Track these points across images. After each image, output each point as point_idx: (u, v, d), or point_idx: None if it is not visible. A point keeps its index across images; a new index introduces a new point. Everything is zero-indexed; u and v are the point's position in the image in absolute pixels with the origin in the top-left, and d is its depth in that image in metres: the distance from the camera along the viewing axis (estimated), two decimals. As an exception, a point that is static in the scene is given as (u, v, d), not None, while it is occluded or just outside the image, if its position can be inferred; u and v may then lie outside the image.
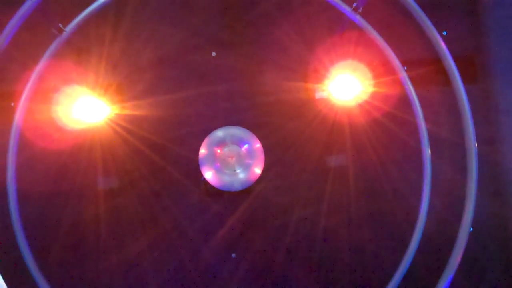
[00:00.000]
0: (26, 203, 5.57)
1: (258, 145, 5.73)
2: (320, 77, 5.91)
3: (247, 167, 5.69)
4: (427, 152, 5.13)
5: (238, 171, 5.69)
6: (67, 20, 4.66)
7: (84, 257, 5.70)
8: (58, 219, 5.66)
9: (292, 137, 5.93)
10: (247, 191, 5.76)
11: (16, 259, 4.83)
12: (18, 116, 4.61)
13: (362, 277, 5.92)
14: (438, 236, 5.28)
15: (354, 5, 4.91)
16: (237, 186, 5.70)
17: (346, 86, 5.75)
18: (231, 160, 5.68)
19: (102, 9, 4.79)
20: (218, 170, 5.67)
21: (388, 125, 5.90)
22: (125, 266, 5.76)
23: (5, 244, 4.97)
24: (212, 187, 5.66)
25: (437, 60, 4.42)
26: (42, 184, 5.65)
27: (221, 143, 5.69)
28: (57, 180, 5.67)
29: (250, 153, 5.71)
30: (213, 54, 5.91)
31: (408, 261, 5.03)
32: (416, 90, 5.14)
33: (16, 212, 4.73)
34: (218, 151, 5.68)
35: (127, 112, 5.77)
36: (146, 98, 5.83)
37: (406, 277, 5.13)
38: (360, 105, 5.81)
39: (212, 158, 5.67)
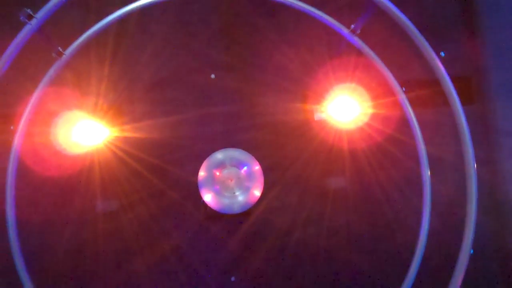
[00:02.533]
0: (25, 225, 5.55)
1: (257, 167, 5.72)
2: (318, 99, 5.93)
3: (246, 190, 5.67)
4: (427, 173, 5.12)
5: (237, 193, 5.67)
6: (66, 43, 4.68)
7: (83, 281, 5.66)
8: (57, 242, 5.64)
9: (291, 159, 5.93)
10: (247, 213, 5.74)
11: (15, 283, 4.79)
12: (18, 139, 4.60)
13: (362, 300, 5.89)
14: (438, 258, 5.25)
15: (352, 27, 4.93)
16: (236, 209, 5.68)
17: (344, 107, 5.77)
18: (231, 183, 5.66)
19: (101, 33, 4.81)
20: (217, 193, 5.64)
21: (387, 147, 5.90)
22: (124, 289, 5.73)
23: (3, 266, 4.93)
24: (211, 209, 5.64)
25: (435, 82, 4.42)
26: (41, 207, 5.63)
27: (221, 165, 5.67)
28: (56, 203, 5.66)
29: (250, 175, 5.70)
30: (212, 76, 5.93)
31: (409, 284, 4.99)
32: (414, 111, 5.14)
33: (15, 235, 4.69)
34: (218, 173, 5.66)
35: (126, 134, 5.78)
36: (146, 120, 5.84)
37: (407, 300, 5.09)
38: (359, 127, 5.82)
39: (212, 181, 5.66)
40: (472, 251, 4.51)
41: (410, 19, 4.26)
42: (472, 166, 4.41)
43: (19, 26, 3.88)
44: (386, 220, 5.92)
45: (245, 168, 5.72)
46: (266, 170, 5.78)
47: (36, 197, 5.65)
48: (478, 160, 4.48)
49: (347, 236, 5.93)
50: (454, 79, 4.42)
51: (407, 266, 5.02)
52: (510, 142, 5.87)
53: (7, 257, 4.71)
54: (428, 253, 5.03)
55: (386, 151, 5.91)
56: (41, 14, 3.87)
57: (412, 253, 5.02)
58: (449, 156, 5.70)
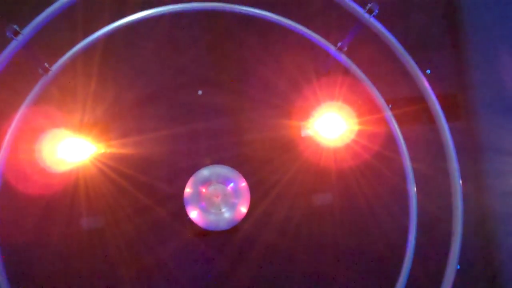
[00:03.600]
0: (8, 243, 5.50)
1: (243, 183, 5.72)
2: (305, 115, 5.95)
3: (232, 206, 5.67)
4: (413, 189, 5.14)
5: (223, 210, 5.66)
6: (53, 59, 4.66)
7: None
8: (41, 260, 5.58)
9: (277, 175, 5.93)
10: (233, 230, 5.72)
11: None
12: (2, 156, 4.55)
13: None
14: (425, 275, 5.25)
15: (339, 44, 4.97)
16: (222, 226, 5.66)
17: (331, 124, 5.79)
18: (217, 199, 5.66)
19: (89, 49, 4.80)
20: (203, 210, 5.63)
21: (373, 163, 5.92)
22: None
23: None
24: (197, 226, 5.62)
25: (421, 99, 4.46)
26: (25, 225, 5.58)
27: (207, 182, 5.67)
28: (41, 221, 5.60)
29: (236, 191, 5.69)
30: (199, 92, 5.93)
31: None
32: (401, 128, 5.18)
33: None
34: (204, 190, 5.65)
35: (112, 150, 5.75)
36: (132, 136, 5.82)
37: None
38: (346, 143, 5.84)
39: (197, 197, 5.65)
40: (458, 267, 4.52)
41: (397, 37, 4.31)
42: (457, 182, 4.44)
43: (5, 41, 3.86)
44: (373, 236, 5.92)
45: (231, 184, 5.72)
46: (252, 187, 5.78)
47: (20, 215, 5.59)
48: (463, 176, 4.51)
49: (334, 252, 5.92)
50: (439, 96, 4.46)
51: (394, 282, 5.02)
52: (496, 158, 5.92)
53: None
54: (414, 268, 5.04)
55: (373, 167, 5.93)
56: (27, 30, 3.86)
57: (398, 268, 5.03)
58: (435, 172, 5.72)
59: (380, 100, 5.16)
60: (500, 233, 5.96)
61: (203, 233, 5.70)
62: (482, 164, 6.07)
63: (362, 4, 4.24)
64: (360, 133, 5.86)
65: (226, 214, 5.66)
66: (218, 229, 5.65)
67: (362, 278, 5.90)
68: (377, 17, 4.21)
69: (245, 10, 5.01)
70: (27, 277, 5.54)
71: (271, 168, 5.93)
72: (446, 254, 4.50)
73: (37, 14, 3.93)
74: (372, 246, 5.92)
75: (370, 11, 4.19)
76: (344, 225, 5.94)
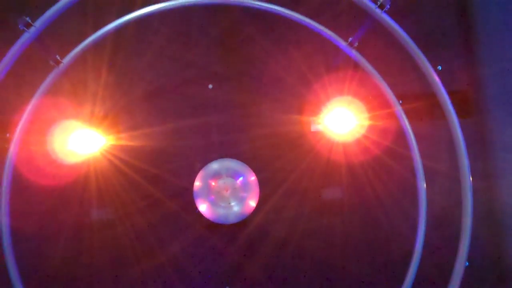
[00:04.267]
0: (19, 234, 5.54)
1: (253, 177, 5.73)
2: (315, 110, 5.94)
3: (242, 200, 5.68)
4: (423, 185, 5.13)
5: (232, 204, 5.67)
6: (64, 52, 4.68)
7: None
8: (52, 251, 5.62)
9: (287, 170, 5.92)
10: (242, 224, 5.73)
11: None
12: (13, 147, 4.59)
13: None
14: (433, 271, 5.24)
15: (350, 39, 4.95)
16: (231, 219, 5.67)
17: (341, 119, 5.78)
18: (226, 193, 5.67)
19: (99, 41, 4.82)
20: (212, 203, 5.65)
21: (383, 159, 5.91)
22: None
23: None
24: (206, 220, 5.64)
25: (432, 94, 4.44)
26: (36, 215, 5.61)
27: (216, 175, 5.68)
28: (51, 212, 5.64)
29: (245, 185, 5.70)
30: (210, 86, 5.94)
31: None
32: (411, 124, 5.16)
33: (9, 244, 4.67)
34: (213, 183, 5.67)
35: (122, 143, 5.77)
36: (142, 129, 5.83)
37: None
38: (356, 139, 5.83)
39: (207, 191, 5.66)
40: (467, 263, 4.51)
41: (408, 32, 4.28)
42: (467, 178, 4.43)
43: (17, 34, 3.88)
44: (382, 232, 5.92)
45: (240, 178, 5.73)
46: (262, 181, 5.78)
47: (31, 205, 5.63)
48: (474, 172, 4.50)
49: (343, 247, 5.92)
50: (450, 93, 4.44)
51: (403, 277, 5.02)
52: (506, 155, 5.89)
53: (0, 265, 4.69)
54: (423, 264, 5.04)
55: (382, 163, 5.91)
56: (39, 22, 3.89)
57: (407, 263, 5.03)
58: (445, 169, 5.71)
59: (390, 96, 5.15)
60: (509, 229, 5.93)
61: (213, 226, 5.71)
62: (492, 160, 6.04)
63: (374, -1, 4.23)
64: (370, 129, 5.85)
65: (235, 208, 5.67)
66: (227, 223, 5.67)
67: (370, 273, 5.90)
68: (388, 12, 4.19)
69: (254, 4, 5.00)
70: (37, 267, 5.58)
71: (280, 162, 5.93)
72: (455, 249, 4.49)
73: (49, 6, 3.95)
74: (381, 241, 5.91)
75: (381, 6, 4.17)
76: (353, 220, 5.93)
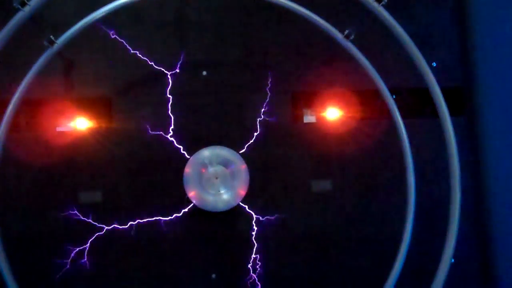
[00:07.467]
0: (6, 214, 5.53)
1: (243, 166, 5.72)
2: (308, 102, 5.95)
3: (231, 188, 5.68)
4: (412, 180, 5.17)
5: (222, 191, 5.67)
6: (59, 32, 4.65)
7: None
8: (39, 231, 5.63)
9: (278, 160, 5.94)
10: (230, 212, 5.73)
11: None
12: (3, 128, 4.55)
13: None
14: (419, 268, 5.26)
15: (346, 32, 4.95)
16: (221, 207, 5.68)
17: (334, 111, 5.80)
18: (216, 181, 5.67)
19: (94, 23, 4.78)
20: (202, 190, 5.64)
21: (374, 152, 5.93)
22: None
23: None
24: (195, 207, 5.64)
25: (426, 90, 4.45)
26: (24, 195, 5.61)
27: (207, 163, 5.67)
28: (39, 192, 5.63)
29: (235, 174, 5.70)
30: (204, 73, 5.92)
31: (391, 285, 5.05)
32: (403, 119, 5.18)
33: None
34: (203, 171, 5.66)
35: (113, 125, 5.76)
36: (134, 112, 5.82)
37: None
38: (348, 131, 5.85)
39: (197, 178, 5.65)
40: (452, 260, 4.54)
41: (404, 28, 4.28)
42: (457, 174, 4.44)
43: (12, 12, 3.84)
44: (371, 223, 5.95)
45: (231, 167, 5.72)
46: (252, 170, 5.78)
47: (20, 185, 5.61)
48: (463, 168, 4.52)
49: (333, 237, 5.95)
50: (444, 89, 4.44)
51: (389, 269, 5.06)
52: (497, 153, 5.93)
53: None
54: (410, 260, 5.08)
55: (374, 156, 5.94)
56: (34, 1, 3.83)
57: (395, 255, 5.07)
58: (435, 164, 5.75)
59: (384, 90, 5.16)
60: (496, 228, 5.98)
61: (200, 213, 5.72)
62: (483, 158, 6.08)
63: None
64: (362, 122, 5.88)
65: (225, 195, 5.67)
66: (216, 210, 5.67)
67: (359, 264, 5.93)
68: (385, 7, 4.18)
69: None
70: (25, 247, 5.57)
71: (272, 152, 5.93)
72: (442, 243, 4.51)
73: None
74: (370, 232, 5.95)
75: (379, 0, 4.16)
76: (343, 211, 5.96)
